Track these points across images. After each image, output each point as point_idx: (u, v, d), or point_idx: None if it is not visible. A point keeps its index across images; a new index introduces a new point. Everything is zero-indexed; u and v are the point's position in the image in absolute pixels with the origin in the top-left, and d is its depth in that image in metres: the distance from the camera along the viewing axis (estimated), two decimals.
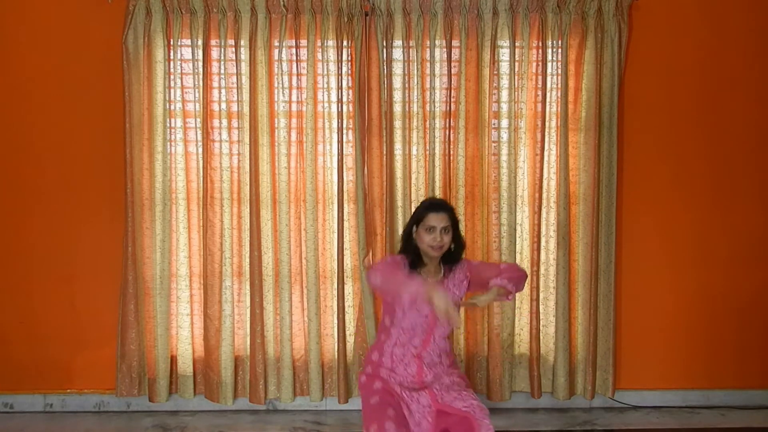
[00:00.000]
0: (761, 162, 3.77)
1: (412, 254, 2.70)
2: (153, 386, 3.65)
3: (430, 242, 2.64)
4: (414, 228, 2.69)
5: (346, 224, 3.64)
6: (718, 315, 3.81)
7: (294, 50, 3.59)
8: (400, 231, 3.59)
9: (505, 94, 3.62)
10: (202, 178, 3.61)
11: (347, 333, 3.68)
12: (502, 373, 3.66)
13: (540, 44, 3.60)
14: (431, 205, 2.73)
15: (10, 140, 3.66)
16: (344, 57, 3.57)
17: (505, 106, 3.62)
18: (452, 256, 2.72)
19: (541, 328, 3.70)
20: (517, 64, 3.59)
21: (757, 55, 3.73)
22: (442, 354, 2.70)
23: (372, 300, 3.62)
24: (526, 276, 2.78)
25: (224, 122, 3.61)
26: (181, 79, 3.60)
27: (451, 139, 3.61)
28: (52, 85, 3.64)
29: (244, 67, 3.57)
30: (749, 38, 3.72)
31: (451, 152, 3.61)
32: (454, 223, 2.71)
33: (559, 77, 3.61)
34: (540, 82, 3.61)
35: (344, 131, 3.60)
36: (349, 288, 3.68)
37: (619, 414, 3.74)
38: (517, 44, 3.58)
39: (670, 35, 3.71)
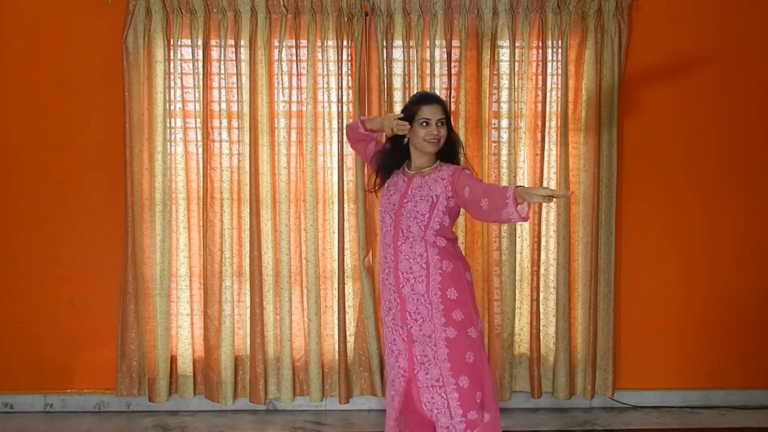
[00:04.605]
0: (762, 161, 3.77)
1: (398, 153, 2.70)
2: (153, 386, 3.65)
3: (425, 136, 2.59)
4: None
5: (346, 224, 3.64)
6: (718, 315, 3.80)
7: (294, 50, 3.59)
8: None
9: (505, 94, 3.62)
10: (202, 178, 3.61)
11: (347, 333, 3.68)
12: (503, 373, 3.66)
13: (540, 44, 3.60)
14: (423, 97, 2.68)
15: (9, 140, 3.66)
16: (344, 57, 3.57)
17: (505, 106, 3.62)
18: (448, 153, 2.69)
19: (541, 328, 3.70)
20: (517, 64, 3.59)
21: (759, 54, 3.72)
22: (427, 264, 2.58)
23: (372, 300, 3.62)
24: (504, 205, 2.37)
25: (224, 122, 3.61)
26: (181, 79, 3.60)
27: None
28: (52, 85, 3.64)
29: (244, 67, 3.57)
30: (750, 37, 3.72)
31: None
32: (447, 116, 2.66)
33: (559, 77, 3.61)
34: (540, 82, 3.61)
35: (344, 131, 3.60)
36: (349, 288, 3.68)
37: (619, 414, 3.74)
38: (517, 44, 3.58)
39: (670, 35, 3.71)
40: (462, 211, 2.80)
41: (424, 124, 2.61)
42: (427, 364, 2.58)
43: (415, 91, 3.57)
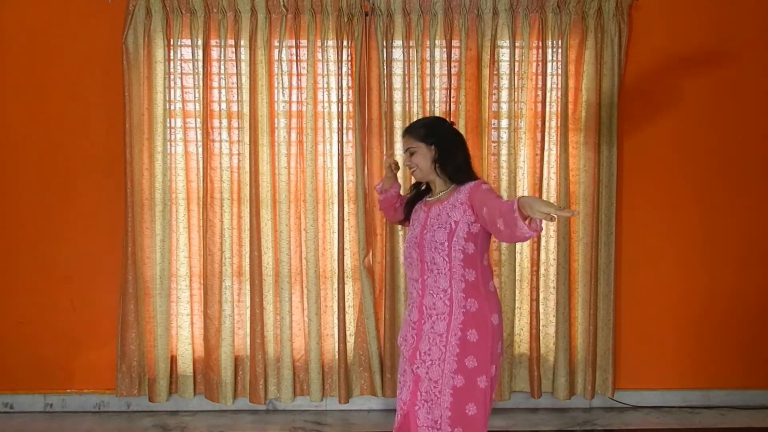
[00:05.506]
0: (762, 162, 3.77)
1: (419, 187, 2.72)
2: (153, 386, 3.65)
3: (407, 167, 2.61)
4: None
5: (346, 224, 3.64)
6: (718, 315, 3.81)
7: (294, 50, 3.59)
8: (400, 231, 3.61)
9: (505, 94, 3.62)
10: (202, 178, 3.61)
11: (347, 333, 3.68)
12: (502, 373, 3.66)
13: (540, 44, 3.60)
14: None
15: (9, 140, 3.66)
16: (344, 57, 3.57)
17: (505, 106, 3.62)
18: (453, 173, 2.54)
19: (541, 328, 3.70)
20: (517, 64, 3.59)
21: (759, 54, 3.73)
22: (451, 300, 2.44)
23: (372, 300, 3.62)
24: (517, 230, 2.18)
25: (224, 122, 3.61)
26: (181, 79, 3.60)
27: None
28: (52, 85, 3.64)
29: (244, 67, 3.57)
30: (750, 36, 3.72)
31: None
32: (427, 138, 2.55)
33: (559, 77, 3.61)
34: (540, 82, 3.61)
35: (344, 131, 3.61)
36: (349, 288, 3.68)
37: (619, 414, 3.74)
38: (517, 44, 3.58)
39: (670, 35, 3.71)
40: None
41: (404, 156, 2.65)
42: (430, 404, 2.47)
43: (415, 91, 3.58)
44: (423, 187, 2.71)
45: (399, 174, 2.89)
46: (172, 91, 3.59)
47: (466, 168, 2.58)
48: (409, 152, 2.58)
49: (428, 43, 3.58)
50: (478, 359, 2.42)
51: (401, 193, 2.89)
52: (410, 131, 2.61)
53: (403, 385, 2.55)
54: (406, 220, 2.77)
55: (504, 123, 3.63)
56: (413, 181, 2.76)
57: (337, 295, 3.64)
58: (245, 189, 3.61)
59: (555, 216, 2.01)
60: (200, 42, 3.55)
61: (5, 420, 3.65)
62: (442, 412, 2.44)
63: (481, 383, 2.42)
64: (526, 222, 2.10)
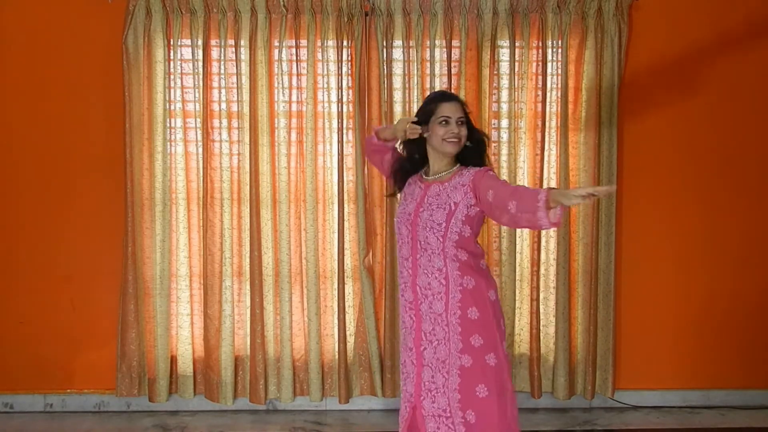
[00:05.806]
0: (762, 161, 3.77)
1: (414, 158, 2.55)
2: (153, 386, 3.65)
3: (445, 135, 2.40)
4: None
5: (346, 224, 3.64)
6: (718, 314, 3.80)
7: (294, 50, 3.59)
8: None
9: (505, 94, 3.62)
10: (202, 178, 3.61)
11: (347, 333, 3.68)
12: None
13: (540, 44, 3.60)
14: (441, 95, 2.52)
15: (9, 140, 3.66)
16: (344, 57, 3.57)
17: (505, 106, 3.63)
18: (472, 156, 2.48)
19: (541, 328, 3.70)
20: (517, 64, 3.59)
21: (759, 53, 3.73)
22: (447, 279, 2.38)
23: (372, 300, 3.62)
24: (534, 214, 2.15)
25: (224, 122, 3.61)
26: (181, 79, 3.60)
27: None
28: (52, 85, 3.64)
29: (244, 67, 3.57)
30: (749, 36, 3.72)
31: None
32: (467, 115, 2.49)
33: (559, 77, 3.61)
34: (540, 82, 3.61)
35: (344, 131, 3.61)
36: (349, 288, 3.68)
37: (619, 414, 3.74)
38: (517, 44, 3.58)
39: (670, 35, 3.71)
40: None
41: (444, 122, 2.42)
42: (434, 392, 2.41)
43: (415, 91, 3.58)
44: (416, 156, 2.59)
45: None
46: (172, 91, 3.59)
47: (485, 153, 2.54)
48: (460, 121, 2.44)
49: (428, 43, 3.58)
50: (483, 337, 2.37)
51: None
52: (461, 101, 2.51)
53: (407, 377, 2.51)
54: (399, 191, 2.66)
55: (504, 123, 3.63)
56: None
57: (337, 295, 3.64)
58: (245, 189, 3.61)
59: (595, 195, 1.98)
60: (200, 42, 3.55)
61: (5, 420, 3.65)
62: (450, 396, 2.39)
63: (490, 360, 2.37)
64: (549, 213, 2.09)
